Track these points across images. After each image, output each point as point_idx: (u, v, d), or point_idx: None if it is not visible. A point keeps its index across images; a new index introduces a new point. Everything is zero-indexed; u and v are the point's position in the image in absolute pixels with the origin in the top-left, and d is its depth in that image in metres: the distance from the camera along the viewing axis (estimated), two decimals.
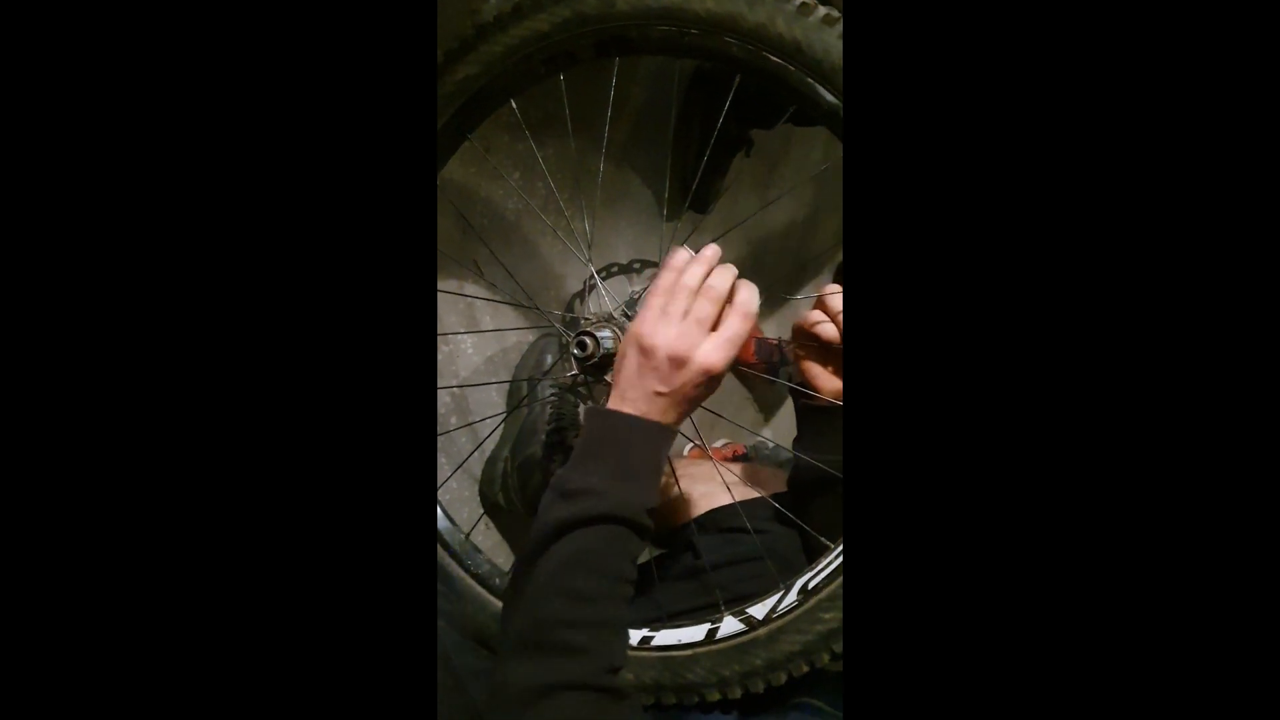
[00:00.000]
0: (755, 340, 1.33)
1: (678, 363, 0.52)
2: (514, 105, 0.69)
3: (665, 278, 0.55)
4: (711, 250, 0.56)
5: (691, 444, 1.32)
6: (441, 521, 0.75)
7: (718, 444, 1.34)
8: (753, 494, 0.74)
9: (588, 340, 0.62)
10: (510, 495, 0.90)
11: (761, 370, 1.34)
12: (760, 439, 1.34)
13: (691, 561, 0.71)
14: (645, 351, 0.53)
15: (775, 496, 0.72)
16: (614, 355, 0.63)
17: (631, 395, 0.54)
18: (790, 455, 1.24)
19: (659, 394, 0.53)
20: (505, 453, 0.91)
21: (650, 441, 0.53)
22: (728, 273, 0.55)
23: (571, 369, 0.66)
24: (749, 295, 0.55)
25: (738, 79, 0.61)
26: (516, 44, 0.65)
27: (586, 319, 0.66)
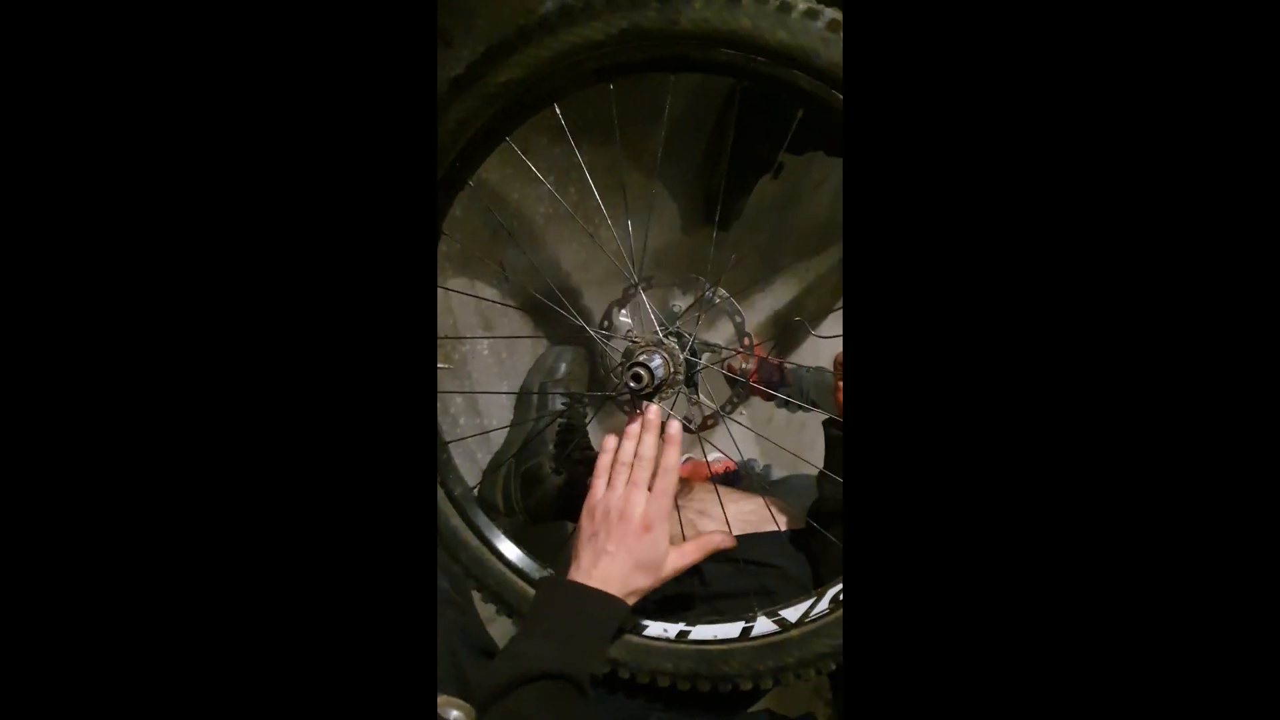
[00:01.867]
0: (760, 360, 1.34)
1: (621, 516, 0.62)
2: (557, 110, 0.69)
3: (603, 459, 0.67)
4: (653, 413, 0.66)
5: (683, 458, 1.33)
6: (463, 529, 0.75)
7: (710, 457, 1.34)
8: (767, 527, 0.75)
9: (642, 373, 0.63)
10: (511, 502, 0.90)
11: (761, 389, 1.35)
12: (752, 458, 1.35)
13: (698, 588, 0.73)
14: (591, 515, 0.64)
15: (792, 532, 0.73)
16: (666, 382, 0.65)
17: (585, 560, 0.62)
18: (781, 477, 1.27)
19: (608, 552, 0.62)
20: (509, 457, 0.91)
21: (598, 609, 0.60)
22: (652, 438, 0.65)
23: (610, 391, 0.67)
24: (666, 456, 0.64)
25: (800, 113, 0.62)
26: (566, 50, 0.64)
27: (633, 341, 0.67)
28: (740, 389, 0.71)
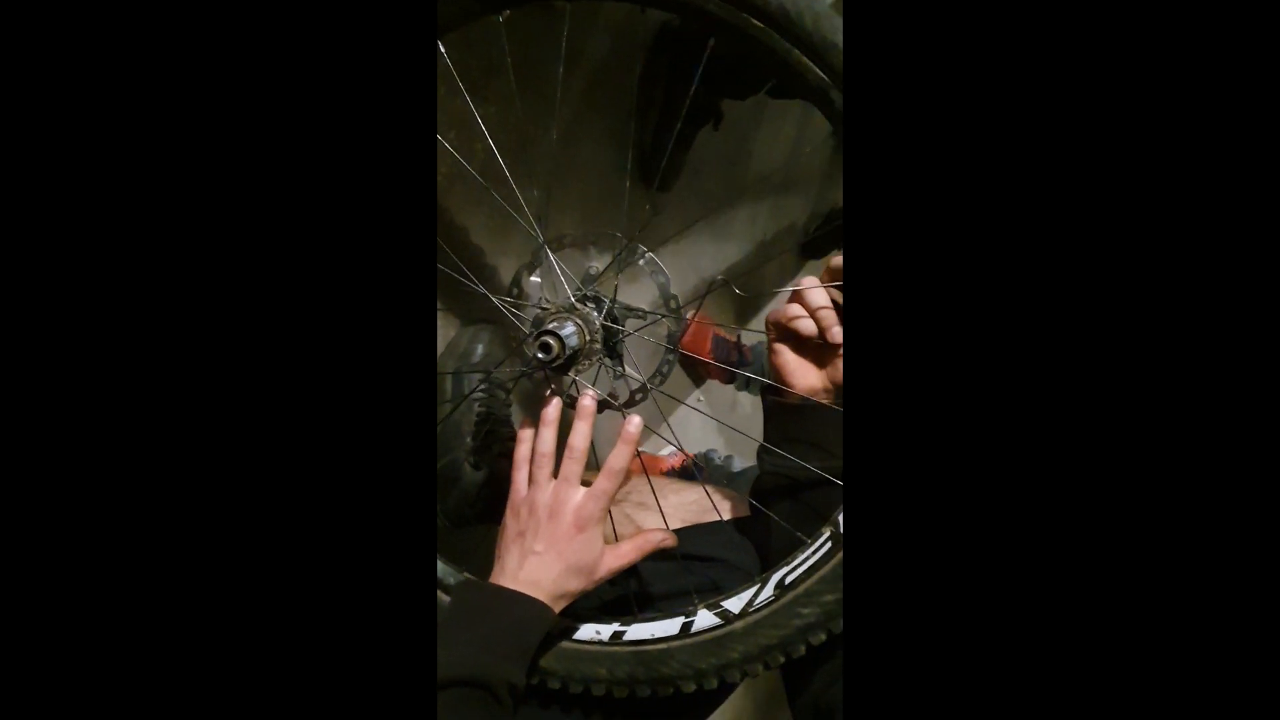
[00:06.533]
0: (713, 338, 1.34)
1: (551, 514, 0.62)
2: (442, 48, 0.66)
3: (520, 449, 0.66)
4: (588, 400, 0.65)
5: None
6: None
7: (662, 453, 1.34)
8: (708, 518, 0.75)
9: (551, 342, 0.61)
10: None
11: (719, 370, 1.36)
12: (712, 448, 1.36)
13: (634, 589, 0.72)
14: (517, 513, 0.64)
15: (737, 520, 0.73)
16: (580, 351, 0.64)
17: (510, 562, 0.62)
18: (745, 467, 1.27)
19: (536, 553, 0.62)
20: None
21: (521, 612, 0.60)
22: (585, 427, 0.64)
23: (522, 365, 0.67)
24: (617, 456, 0.63)
25: (711, 42, 0.61)
26: None
27: (544, 308, 0.65)
28: (670, 356, 0.70)
